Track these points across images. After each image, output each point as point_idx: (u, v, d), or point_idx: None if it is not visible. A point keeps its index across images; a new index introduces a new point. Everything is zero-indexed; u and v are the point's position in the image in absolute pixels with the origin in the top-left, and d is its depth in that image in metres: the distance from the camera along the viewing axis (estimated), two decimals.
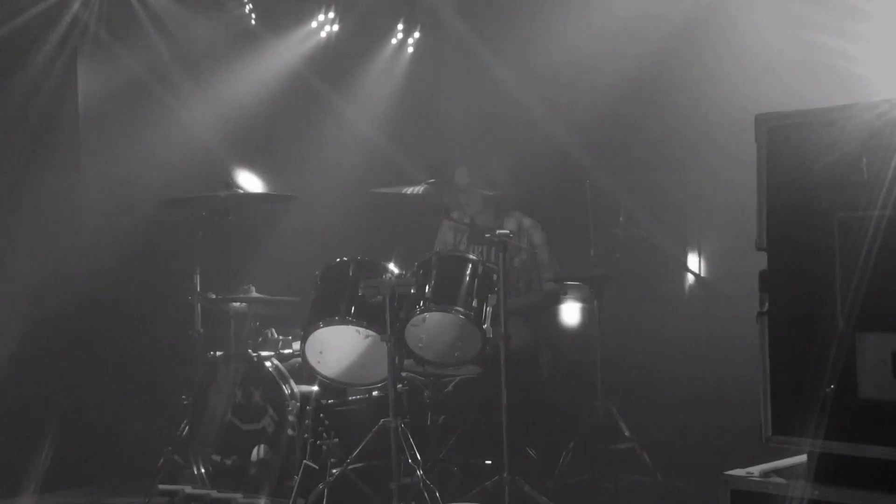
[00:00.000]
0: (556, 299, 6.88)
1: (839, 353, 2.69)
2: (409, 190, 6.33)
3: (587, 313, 6.57)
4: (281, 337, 6.47)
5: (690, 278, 6.55)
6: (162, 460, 6.18)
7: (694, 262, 6.71)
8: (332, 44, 8.33)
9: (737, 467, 2.90)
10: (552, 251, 6.80)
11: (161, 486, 5.40)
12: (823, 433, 2.70)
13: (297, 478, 5.40)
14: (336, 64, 8.38)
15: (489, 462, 5.99)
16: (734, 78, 6.08)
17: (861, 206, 2.70)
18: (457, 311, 5.58)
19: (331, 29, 8.32)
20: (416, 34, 8.38)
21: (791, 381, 2.78)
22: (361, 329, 5.72)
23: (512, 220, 6.79)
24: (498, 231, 5.57)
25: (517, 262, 6.68)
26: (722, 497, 2.79)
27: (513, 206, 6.81)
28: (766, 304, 2.84)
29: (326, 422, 5.54)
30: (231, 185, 6.43)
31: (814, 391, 2.72)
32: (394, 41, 8.41)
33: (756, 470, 2.82)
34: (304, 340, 5.79)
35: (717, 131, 6.27)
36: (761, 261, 2.94)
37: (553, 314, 6.91)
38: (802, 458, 2.84)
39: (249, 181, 7.06)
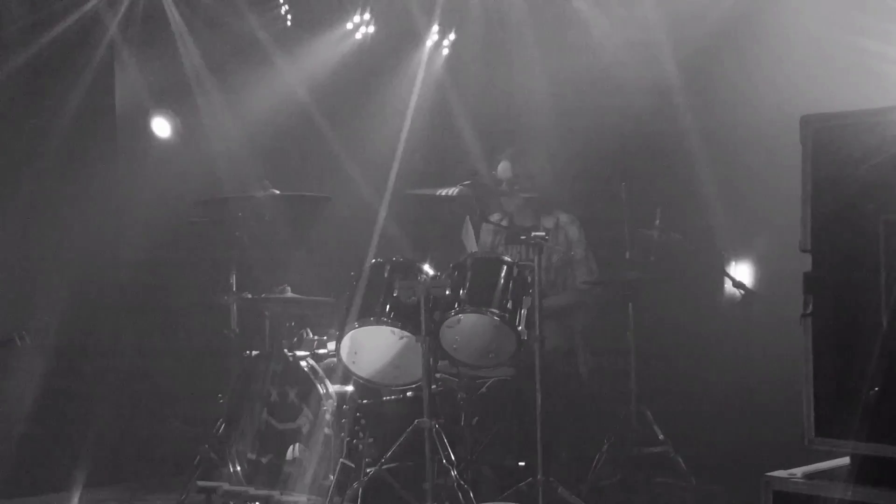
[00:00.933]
0: (591, 298, 6.84)
1: (883, 355, 2.67)
2: (444, 192, 6.35)
3: (622, 316, 6.54)
4: (316, 337, 6.49)
5: (727, 282, 6.52)
6: (198, 458, 6.21)
7: (731, 265, 6.67)
8: (368, 45, 8.35)
9: (771, 471, 2.89)
10: (589, 247, 6.78)
11: (199, 483, 5.42)
12: (866, 435, 2.69)
13: (332, 477, 5.41)
14: (371, 65, 8.40)
15: (522, 464, 6.00)
16: (773, 80, 6.05)
17: None
18: (491, 312, 5.60)
19: (366, 30, 8.33)
20: (452, 35, 8.39)
21: (834, 383, 2.77)
22: (396, 330, 5.73)
23: (551, 218, 6.78)
24: (534, 233, 5.58)
25: (555, 259, 6.66)
26: (764, 499, 2.78)
27: (553, 206, 6.81)
28: (811, 305, 2.83)
29: (363, 421, 5.55)
30: (267, 185, 6.45)
31: (857, 393, 2.71)
32: (429, 43, 8.42)
33: (799, 472, 2.82)
34: (339, 340, 5.81)
35: (754, 134, 6.26)
36: (800, 264, 2.93)
37: (587, 316, 6.88)
38: (844, 460, 2.83)
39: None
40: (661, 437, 6.33)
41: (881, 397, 2.68)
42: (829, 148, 2.84)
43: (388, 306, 5.71)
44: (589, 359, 6.77)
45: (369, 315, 5.73)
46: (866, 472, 2.72)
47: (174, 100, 7.69)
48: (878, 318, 2.70)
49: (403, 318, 5.68)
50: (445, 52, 8.45)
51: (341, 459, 5.19)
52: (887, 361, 2.67)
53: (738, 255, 6.50)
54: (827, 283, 2.81)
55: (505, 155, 6.80)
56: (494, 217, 6.84)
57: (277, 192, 6.47)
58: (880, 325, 2.69)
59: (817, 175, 2.85)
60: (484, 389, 6.15)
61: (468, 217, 6.69)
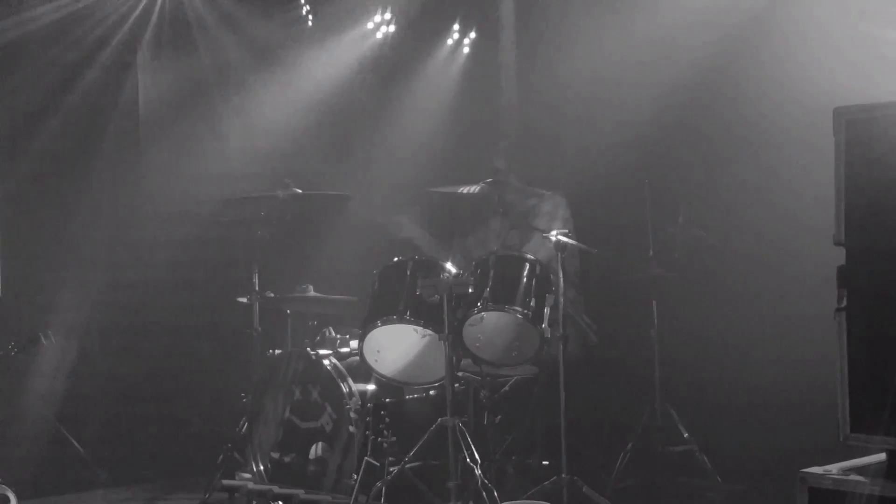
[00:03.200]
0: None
1: None
2: (465, 189, 6.33)
3: (646, 314, 6.52)
4: (339, 336, 6.48)
5: (751, 279, 6.48)
6: (221, 457, 6.22)
7: (755, 261, 6.62)
8: (389, 44, 8.34)
9: (799, 469, 2.86)
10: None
11: (223, 482, 5.42)
12: None
13: (356, 476, 5.40)
14: (392, 64, 8.39)
15: (546, 462, 5.98)
16: (800, 73, 5.98)
17: None
18: (514, 310, 5.59)
19: (387, 30, 8.33)
20: (472, 34, 8.38)
21: (869, 379, 2.74)
22: (419, 328, 5.73)
23: (546, 201, 6.70)
24: (556, 231, 5.56)
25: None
26: (800, 495, 2.75)
27: (538, 185, 6.74)
28: (845, 300, 2.80)
29: (387, 419, 5.55)
30: (288, 185, 6.45)
31: (893, 388, 2.68)
32: (450, 41, 8.41)
33: (834, 468, 2.79)
34: (361, 339, 5.81)
35: (779, 129, 6.21)
36: (831, 259, 2.91)
37: (612, 313, 6.84)
38: (879, 456, 2.80)
39: None
40: (685, 435, 6.31)
41: None
42: (862, 140, 2.82)
43: (410, 305, 5.70)
44: (611, 355, 6.72)
45: (392, 314, 5.72)
46: None
47: (196, 100, 7.68)
48: None
49: (426, 316, 5.67)
50: (466, 50, 8.43)
51: (366, 458, 5.17)
52: None
53: (766, 250, 6.44)
54: (861, 277, 2.78)
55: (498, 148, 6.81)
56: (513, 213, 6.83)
57: (299, 191, 6.47)
58: None
59: (850, 168, 2.83)
60: (507, 388, 6.12)
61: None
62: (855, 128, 2.83)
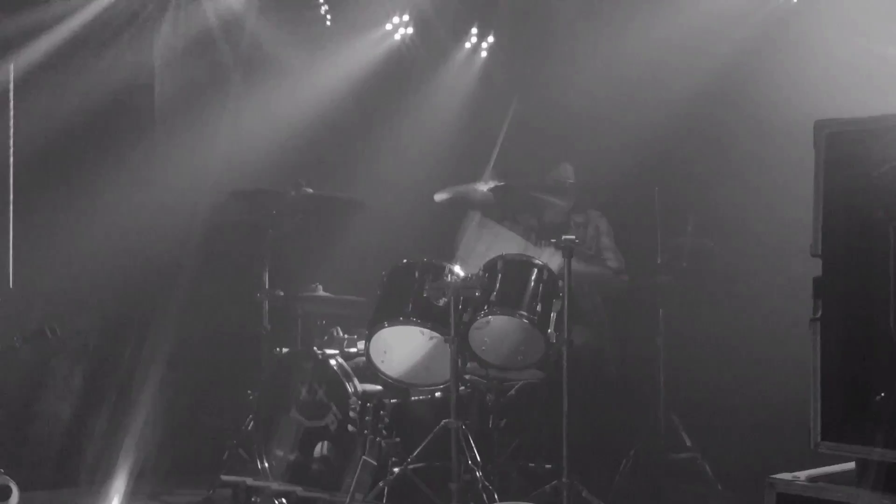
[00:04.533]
0: (620, 279, 6.80)
1: (891, 360, 2.67)
2: (477, 185, 6.37)
3: (652, 321, 6.54)
4: (346, 336, 6.51)
5: (759, 289, 6.49)
6: (227, 454, 6.28)
7: (763, 272, 6.63)
8: (406, 46, 8.38)
9: None
10: (615, 243, 6.80)
11: (224, 478, 5.47)
12: (873, 440, 2.68)
13: (356, 474, 5.44)
14: (409, 67, 8.43)
15: (549, 466, 6.00)
16: (806, 89, 6.01)
17: None
18: (521, 314, 5.61)
19: (405, 32, 8.37)
20: (490, 38, 8.42)
21: (842, 388, 2.77)
22: (426, 330, 5.76)
23: (581, 214, 6.80)
24: (564, 236, 5.58)
25: (583, 252, 6.66)
26: (767, 500, 2.79)
27: (586, 204, 6.81)
28: (820, 310, 2.83)
29: (387, 419, 5.58)
30: (301, 184, 6.50)
31: (864, 398, 2.71)
32: (468, 45, 8.45)
33: (803, 475, 2.82)
34: (368, 340, 5.84)
35: (787, 143, 6.20)
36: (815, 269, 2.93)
37: (617, 319, 6.86)
38: (850, 465, 2.83)
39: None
40: (688, 443, 6.32)
41: (888, 403, 2.67)
42: (842, 153, 2.85)
43: (417, 307, 5.73)
44: (616, 361, 6.75)
45: (399, 315, 5.76)
46: (872, 476, 2.72)
47: (212, 97, 7.73)
48: (886, 323, 2.69)
49: (433, 318, 5.70)
50: (484, 54, 8.47)
51: (363, 457, 5.22)
52: (895, 367, 2.66)
53: (775, 262, 6.44)
54: (837, 287, 2.81)
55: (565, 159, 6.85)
56: (523, 217, 6.86)
57: (311, 191, 6.52)
58: (889, 331, 2.68)
59: (829, 179, 2.86)
60: (513, 392, 6.15)
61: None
62: (834, 140, 2.86)
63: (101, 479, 6.63)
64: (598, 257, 6.79)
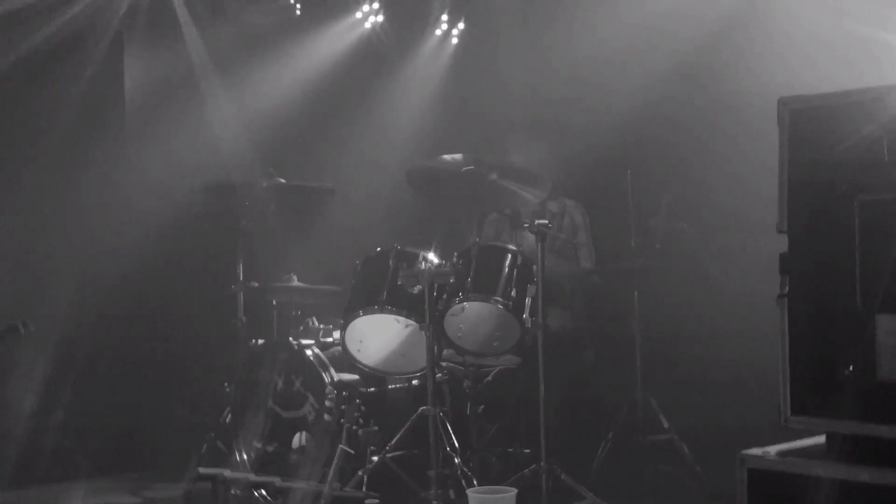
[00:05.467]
0: (591, 279, 6.83)
1: (858, 334, 2.69)
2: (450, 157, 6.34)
3: (627, 304, 6.55)
4: (322, 325, 6.51)
5: (733, 270, 6.50)
6: (205, 447, 6.27)
7: (737, 253, 6.65)
8: (377, 34, 8.36)
9: None
10: (591, 237, 6.82)
11: (202, 471, 5.45)
12: (842, 414, 2.70)
13: (335, 463, 5.44)
14: (379, 55, 8.41)
15: (528, 451, 6.02)
16: (773, 67, 6.02)
17: (882, 188, 2.70)
18: (496, 300, 5.61)
19: (375, 19, 8.34)
20: (461, 24, 8.41)
21: (810, 363, 2.79)
22: (401, 318, 5.76)
23: (556, 202, 6.80)
24: (537, 221, 5.58)
25: (557, 245, 6.67)
26: (739, 476, 2.81)
27: (559, 191, 6.80)
28: (787, 286, 2.84)
29: (363, 408, 5.58)
30: (272, 174, 6.48)
31: (833, 373, 2.72)
32: (438, 32, 8.44)
33: (773, 449, 2.84)
34: (343, 329, 5.84)
35: (755, 121, 6.20)
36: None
37: (592, 303, 6.87)
38: (819, 438, 2.85)
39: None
40: (666, 425, 6.34)
41: (856, 376, 2.68)
42: (806, 129, 2.86)
43: (392, 295, 5.73)
44: (595, 346, 6.76)
45: (373, 303, 5.75)
46: (841, 449, 2.74)
47: (181, 89, 7.69)
48: (852, 298, 2.71)
49: (408, 306, 5.70)
50: (454, 41, 8.46)
51: (340, 446, 5.21)
52: (862, 341, 2.68)
53: (748, 242, 6.45)
54: (803, 263, 2.82)
55: (519, 144, 6.82)
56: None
57: (283, 181, 6.50)
58: (855, 305, 2.70)
59: (794, 156, 2.87)
60: (490, 378, 6.15)
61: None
62: (798, 116, 2.87)
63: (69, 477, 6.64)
64: (572, 256, 6.79)
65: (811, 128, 2.85)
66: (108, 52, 7.44)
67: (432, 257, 5.80)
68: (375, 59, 8.40)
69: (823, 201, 2.79)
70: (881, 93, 2.72)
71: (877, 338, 2.67)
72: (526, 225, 5.71)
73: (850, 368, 2.68)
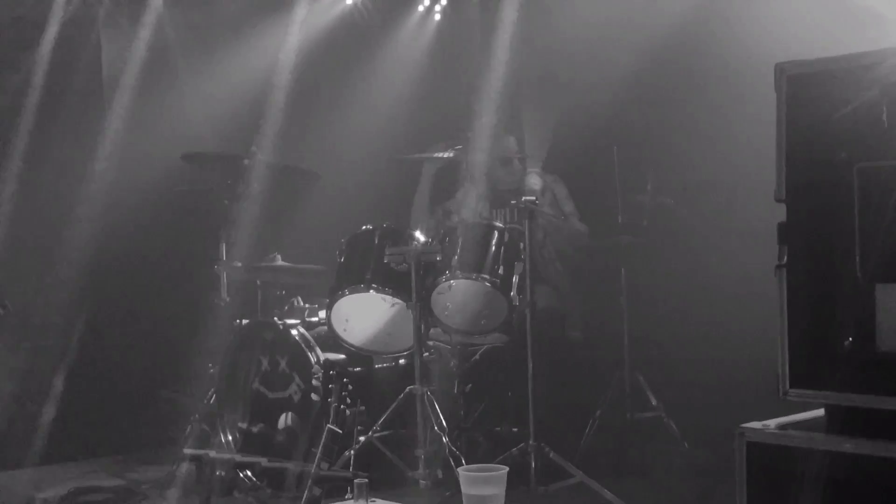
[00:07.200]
0: (586, 237, 6.80)
1: (857, 305, 2.64)
2: (437, 154, 6.32)
3: (614, 281, 6.52)
4: (307, 305, 6.48)
5: (720, 245, 6.47)
6: (189, 428, 6.21)
7: (724, 228, 6.61)
8: (358, 11, 8.28)
9: None
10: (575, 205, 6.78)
11: (187, 452, 5.41)
12: (841, 386, 2.66)
13: (321, 443, 5.40)
14: (362, 32, 8.34)
15: (516, 430, 5.99)
16: (764, 35, 5.93)
17: (881, 155, 2.65)
18: (483, 278, 5.57)
19: None
20: (443, 1, 8.35)
21: (809, 335, 2.74)
22: (387, 297, 5.75)
23: (533, 177, 6.73)
24: (524, 197, 5.54)
25: (542, 222, 6.63)
26: (738, 449, 2.76)
27: (532, 165, 6.75)
28: (785, 256, 2.79)
29: (350, 387, 5.54)
30: (255, 153, 6.41)
31: (832, 344, 2.68)
32: (421, 8, 8.38)
33: (772, 423, 2.80)
34: (329, 308, 5.81)
35: (746, 90, 6.15)
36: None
37: (580, 280, 6.83)
38: (819, 412, 2.81)
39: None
40: (653, 402, 6.33)
41: (855, 348, 2.64)
42: (804, 95, 2.81)
43: (378, 273, 5.71)
44: (580, 323, 6.73)
45: (359, 282, 5.73)
46: (841, 422, 2.70)
47: (161, 67, 7.59)
48: (852, 267, 2.66)
49: (394, 284, 5.68)
50: (437, 17, 8.40)
51: (328, 425, 5.18)
52: (862, 311, 2.64)
53: (735, 217, 6.42)
54: (801, 233, 2.77)
55: (506, 129, 6.78)
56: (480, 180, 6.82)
57: (262, 158, 6.43)
58: (855, 275, 2.65)
59: (791, 123, 2.82)
60: (477, 357, 6.14)
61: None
62: (795, 83, 2.82)
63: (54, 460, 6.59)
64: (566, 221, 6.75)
65: (809, 94, 2.79)
66: (84, 24, 7.32)
67: (419, 235, 5.76)
68: (358, 35, 8.33)
69: (822, 169, 2.73)
70: (882, 56, 2.67)
71: (877, 308, 2.63)
72: (513, 202, 5.67)
73: (850, 340, 2.64)
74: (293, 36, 7.74)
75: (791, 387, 2.75)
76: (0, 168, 6.87)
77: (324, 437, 5.03)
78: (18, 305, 5.71)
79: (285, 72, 7.64)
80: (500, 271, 5.60)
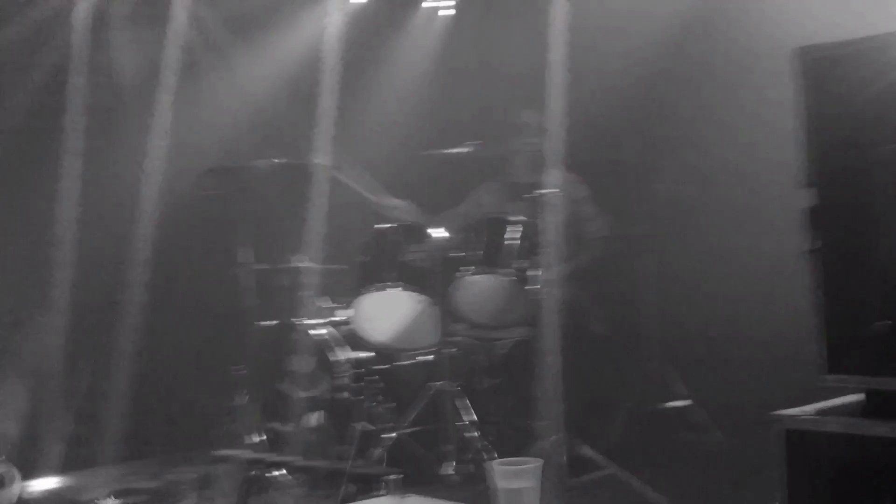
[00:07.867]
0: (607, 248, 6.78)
1: (893, 287, 2.63)
2: (456, 150, 6.31)
3: (635, 271, 6.51)
4: (335, 304, 6.48)
5: (736, 229, 6.44)
6: (220, 430, 6.24)
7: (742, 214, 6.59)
8: (375, 6, 8.27)
9: None
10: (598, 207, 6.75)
11: (219, 453, 5.45)
12: (879, 370, 2.65)
13: (355, 441, 5.43)
14: (379, 27, 8.33)
15: (545, 423, 5.98)
16: (782, 18, 5.90)
17: None
18: (506, 273, 5.57)
19: None
20: None
21: (845, 319, 2.73)
22: (411, 294, 5.74)
23: (553, 174, 6.70)
24: (542, 190, 5.54)
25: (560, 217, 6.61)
26: (776, 437, 2.75)
27: (553, 162, 6.73)
28: (819, 241, 2.78)
29: (381, 384, 5.56)
30: (272, 156, 6.44)
31: (868, 327, 2.67)
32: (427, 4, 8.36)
33: (811, 409, 2.79)
34: (354, 307, 5.83)
35: (764, 76, 6.12)
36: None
37: (602, 272, 6.81)
38: (855, 397, 2.79)
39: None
40: (683, 391, 6.31)
41: (893, 330, 2.63)
42: (826, 79, 2.79)
43: (401, 270, 5.73)
44: (601, 314, 6.70)
45: (382, 280, 5.74)
46: (879, 406, 2.69)
47: (186, 65, 7.58)
48: (885, 249, 2.65)
49: (417, 281, 5.69)
50: (452, 11, 8.38)
51: (362, 423, 5.19)
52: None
53: (756, 203, 6.39)
54: (832, 217, 2.76)
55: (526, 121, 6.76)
56: (500, 175, 6.81)
57: (277, 160, 6.45)
58: (889, 257, 2.64)
59: (814, 108, 2.81)
60: (504, 350, 6.13)
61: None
62: (816, 67, 2.81)
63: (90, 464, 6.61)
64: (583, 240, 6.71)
65: (830, 77, 2.78)
66: (96, 38, 7.33)
67: (440, 231, 5.77)
68: (369, 35, 8.29)
69: (847, 152, 2.73)
70: None
71: None
72: (527, 196, 5.67)
73: (889, 321, 2.63)
74: (313, 34, 7.72)
75: (829, 372, 2.74)
76: (13, 184, 6.89)
77: (357, 434, 5.05)
78: (49, 313, 5.72)
79: (301, 72, 7.63)
80: (521, 265, 5.60)
